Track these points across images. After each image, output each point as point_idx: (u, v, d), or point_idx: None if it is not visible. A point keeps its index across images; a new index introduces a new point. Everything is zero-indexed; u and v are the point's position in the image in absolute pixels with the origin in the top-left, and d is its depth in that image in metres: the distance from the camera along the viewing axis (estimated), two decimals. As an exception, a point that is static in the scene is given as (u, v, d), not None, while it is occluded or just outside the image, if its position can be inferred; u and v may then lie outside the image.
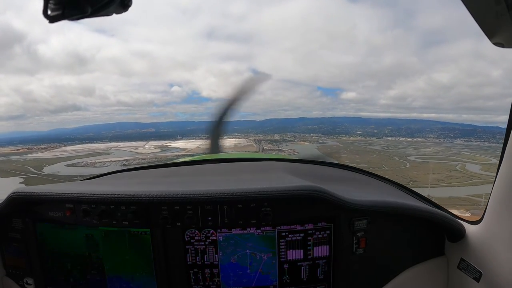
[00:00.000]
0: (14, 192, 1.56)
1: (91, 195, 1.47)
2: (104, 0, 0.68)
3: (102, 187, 1.58)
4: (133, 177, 2.30)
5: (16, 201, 1.56)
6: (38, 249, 1.62)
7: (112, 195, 1.46)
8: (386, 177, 2.27)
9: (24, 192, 1.54)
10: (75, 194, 1.49)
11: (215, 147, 3.30)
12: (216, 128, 3.30)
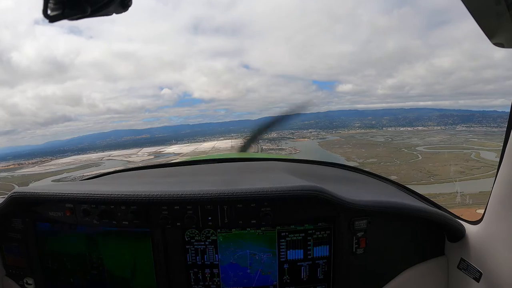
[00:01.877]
0: (14, 192, 1.56)
1: (91, 195, 1.47)
2: (104, 0, 0.68)
3: (102, 187, 1.58)
4: (133, 177, 2.31)
5: (16, 201, 1.56)
6: (38, 249, 1.62)
7: (112, 195, 1.45)
8: (386, 176, 2.28)
9: (24, 192, 1.54)
10: (75, 194, 1.49)
11: (246, 147, 3.34)
12: (259, 132, 3.35)
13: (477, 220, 1.54)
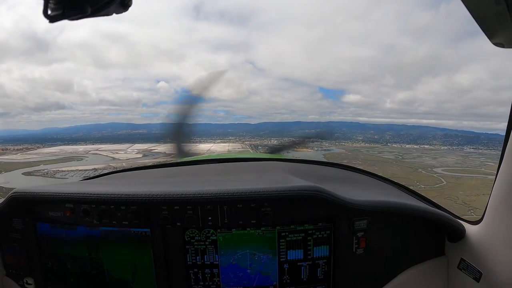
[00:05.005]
0: (15, 192, 1.56)
1: (91, 195, 1.47)
2: (104, 0, 0.69)
3: (102, 187, 1.58)
4: (133, 177, 2.31)
5: (16, 201, 1.56)
6: (38, 249, 1.62)
7: (112, 195, 1.46)
8: (386, 177, 2.28)
9: (25, 192, 1.55)
10: (75, 194, 1.49)
11: (181, 151, 3.20)
12: (178, 130, 3.18)
13: (477, 220, 1.55)
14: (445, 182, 36.15)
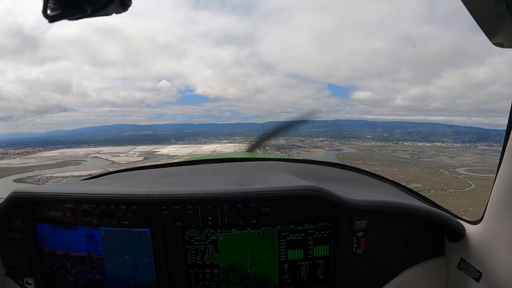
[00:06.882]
0: (15, 192, 1.56)
1: (91, 195, 1.48)
2: (104, 0, 0.69)
3: (102, 187, 1.59)
4: (133, 177, 2.33)
5: (16, 201, 1.57)
6: (38, 249, 1.63)
7: (112, 195, 1.46)
8: (386, 177, 2.28)
9: (25, 192, 1.55)
10: (75, 194, 1.50)
11: (256, 147, 3.38)
12: (266, 137, 3.39)
13: (477, 220, 1.54)
14: (474, 185, 33.98)
